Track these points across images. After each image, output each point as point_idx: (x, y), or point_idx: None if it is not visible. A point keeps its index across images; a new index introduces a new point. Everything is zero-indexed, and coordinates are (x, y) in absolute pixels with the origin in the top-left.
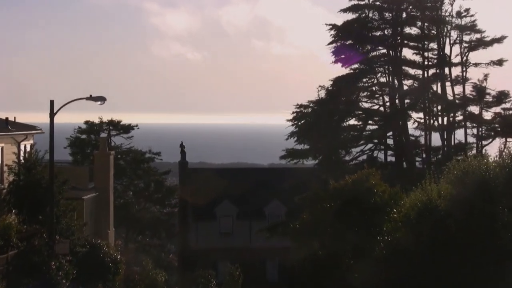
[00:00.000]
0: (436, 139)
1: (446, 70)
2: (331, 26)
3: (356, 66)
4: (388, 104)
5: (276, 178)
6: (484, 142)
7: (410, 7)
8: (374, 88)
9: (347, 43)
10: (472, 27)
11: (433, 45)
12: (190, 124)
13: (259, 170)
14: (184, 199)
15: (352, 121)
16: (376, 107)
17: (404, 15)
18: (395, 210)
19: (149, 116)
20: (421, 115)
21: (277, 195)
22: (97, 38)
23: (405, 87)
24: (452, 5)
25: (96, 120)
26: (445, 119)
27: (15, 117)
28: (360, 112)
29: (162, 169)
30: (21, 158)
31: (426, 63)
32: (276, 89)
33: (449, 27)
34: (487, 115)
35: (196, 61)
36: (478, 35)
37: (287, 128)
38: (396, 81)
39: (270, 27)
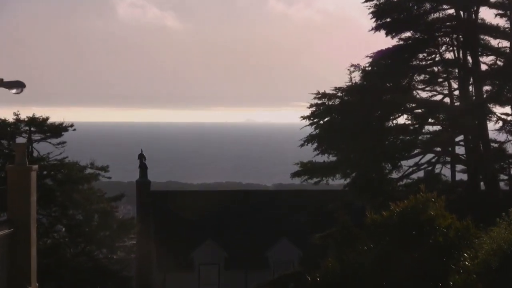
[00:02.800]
0: None
1: None
2: None
3: (408, 34)
4: (457, 93)
5: (285, 206)
6: None
7: None
8: (436, 69)
9: None
10: None
11: None
12: (156, 124)
13: (260, 194)
14: (146, 238)
15: (403, 119)
16: (439, 97)
17: None
18: (466, 255)
19: (94, 111)
20: (507, 110)
21: (287, 232)
22: None
23: (484, 67)
24: None
25: (10, 118)
26: None
27: None
28: (414, 105)
29: (112, 193)
30: None
31: None
32: (287, 72)
33: None
34: None
35: (177, 33)
36: None
37: (303, 129)
38: (469, 58)
39: None
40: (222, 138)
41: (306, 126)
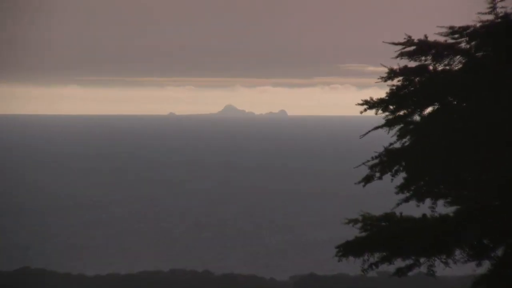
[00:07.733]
0: None
1: None
2: None
3: None
4: None
5: None
6: None
7: None
8: None
9: None
10: None
11: None
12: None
13: None
14: None
15: None
16: None
17: None
18: None
19: None
20: None
21: None
22: None
23: None
24: None
25: None
26: None
27: None
28: None
29: None
30: None
31: None
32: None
33: None
34: None
35: None
36: None
37: (368, 136)
38: None
39: None
40: (172, 154)
41: (376, 128)
